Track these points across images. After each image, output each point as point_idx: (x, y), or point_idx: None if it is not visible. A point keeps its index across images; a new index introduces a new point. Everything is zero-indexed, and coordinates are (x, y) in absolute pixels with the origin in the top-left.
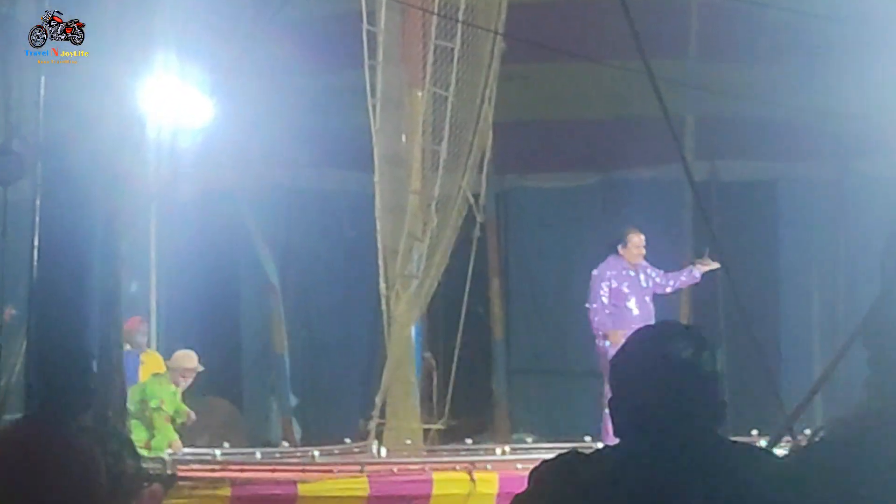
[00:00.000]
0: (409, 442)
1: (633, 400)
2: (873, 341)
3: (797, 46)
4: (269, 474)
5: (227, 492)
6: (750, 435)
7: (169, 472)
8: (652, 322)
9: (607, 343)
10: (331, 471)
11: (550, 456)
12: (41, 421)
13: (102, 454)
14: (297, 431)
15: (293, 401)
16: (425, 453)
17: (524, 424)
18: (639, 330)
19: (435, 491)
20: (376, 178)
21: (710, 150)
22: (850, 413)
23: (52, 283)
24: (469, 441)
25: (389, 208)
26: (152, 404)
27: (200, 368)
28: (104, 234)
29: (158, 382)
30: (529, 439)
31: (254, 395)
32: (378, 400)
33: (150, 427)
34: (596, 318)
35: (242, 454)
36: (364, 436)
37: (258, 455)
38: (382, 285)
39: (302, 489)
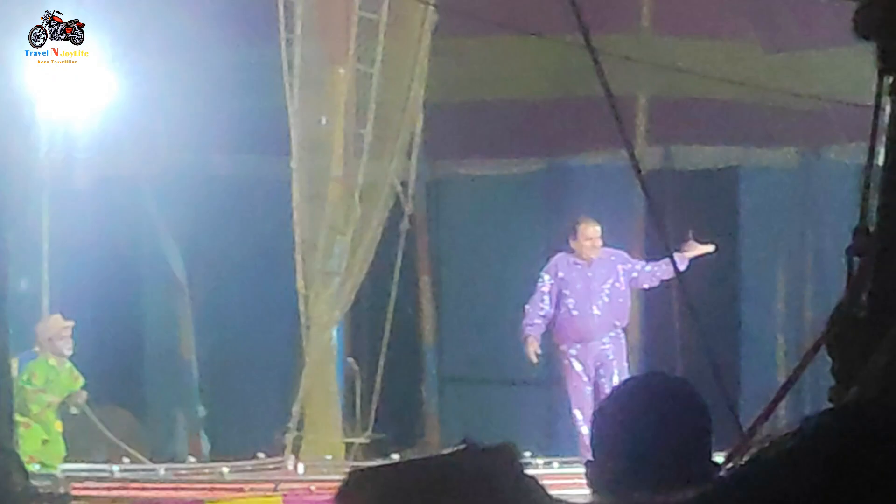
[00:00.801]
0: (329, 457)
1: (615, 461)
2: (836, 350)
3: (763, 19)
4: (173, 493)
5: None
6: None
7: (61, 490)
8: (614, 324)
9: (532, 351)
10: (241, 489)
11: None
12: None
13: None
14: (205, 445)
15: (201, 411)
16: (347, 469)
17: (457, 437)
18: (623, 383)
19: None
20: (293, 164)
21: (664, 134)
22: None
23: None
24: (396, 456)
25: (308, 197)
26: (21, 380)
27: (69, 324)
28: None
29: (31, 361)
30: None
31: (157, 405)
32: (295, 410)
33: (35, 420)
34: (523, 321)
35: (144, 471)
36: (279, 450)
37: (161, 472)
38: (300, 283)
39: None
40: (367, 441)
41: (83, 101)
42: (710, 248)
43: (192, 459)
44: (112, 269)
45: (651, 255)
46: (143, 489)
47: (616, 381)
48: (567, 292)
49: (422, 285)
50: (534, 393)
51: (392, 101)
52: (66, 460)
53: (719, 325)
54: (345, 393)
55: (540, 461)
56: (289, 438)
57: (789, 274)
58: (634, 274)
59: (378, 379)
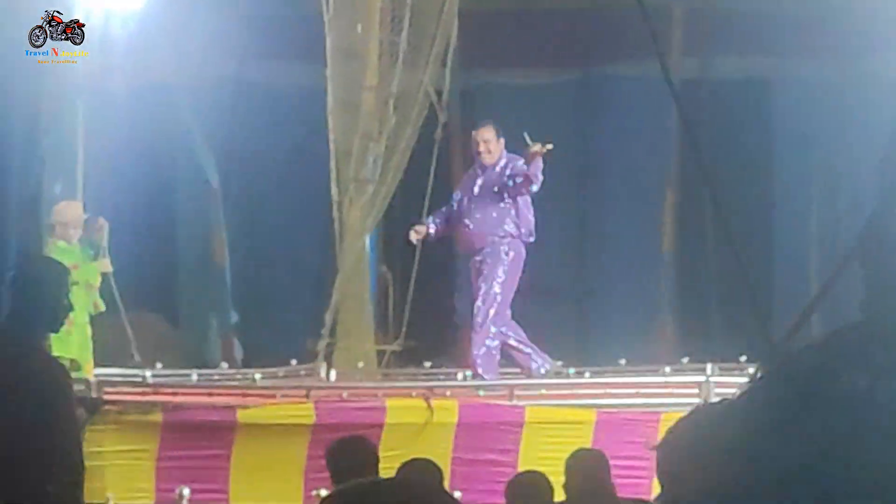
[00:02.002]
0: (361, 365)
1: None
2: (870, 259)
3: None
4: (205, 399)
5: (158, 418)
6: (738, 361)
7: (93, 395)
8: (483, 236)
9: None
10: (273, 396)
11: None
12: None
13: (20, 374)
14: (237, 352)
15: (234, 318)
16: (379, 377)
17: None
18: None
19: (388, 419)
20: (328, 72)
21: (699, 44)
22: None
23: None
24: (428, 364)
25: (342, 105)
26: None
27: (84, 216)
28: (24, 132)
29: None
30: None
31: (190, 312)
32: (328, 318)
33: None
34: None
35: (176, 376)
36: (312, 357)
37: (194, 377)
38: (334, 190)
39: (242, 416)
40: (399, 349)
41: (120, 5)
42: (548, 146)
43: (224, 365)
44: (146, 174)
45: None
46: (176, 394)
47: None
48: (462, 204)
49: None
50: (566, 304)
51: (427, 10)
52: (98, 366)
53: (752, 240)
54: (377, 301)
55: (572, 371)
56: (321, 346)
57: (823, 186)
58: (507, 179)
59: (411, 287)
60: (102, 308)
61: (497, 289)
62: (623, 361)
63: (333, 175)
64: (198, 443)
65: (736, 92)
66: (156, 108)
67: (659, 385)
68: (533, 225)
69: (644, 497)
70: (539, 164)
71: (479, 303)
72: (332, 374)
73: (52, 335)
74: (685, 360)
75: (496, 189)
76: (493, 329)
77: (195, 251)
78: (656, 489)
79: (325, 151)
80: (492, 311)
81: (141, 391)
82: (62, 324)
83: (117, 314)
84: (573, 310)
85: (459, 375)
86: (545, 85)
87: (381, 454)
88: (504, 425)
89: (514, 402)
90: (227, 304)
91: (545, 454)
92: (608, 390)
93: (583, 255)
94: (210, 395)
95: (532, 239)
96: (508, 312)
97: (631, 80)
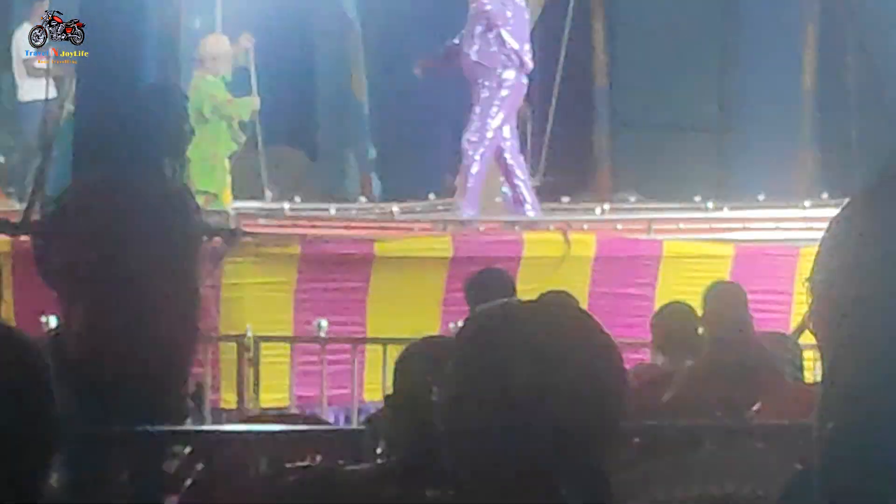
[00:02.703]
0: (499, 200)
1: None
2: None
3: None
4: (343, 231)
5: (296, 250)
6: (820, 198)
7: (232, 226)
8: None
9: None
10: (411, 229)
11: None
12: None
13: (161, 205)
14: (375, 186)
15: (373, 153)
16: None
17: (628, 182)
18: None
19: (525, 253)
20: None
21: None
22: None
23: (101, 18)
24: (566, 199)
25: None
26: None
27: (230, 52)
28: None
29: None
30: (632, 198)
31: (329, 146)
32: None
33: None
34: None
35: (315, 209)
36: (450, 192)
37: (332, 211)
38: None
39: (379, 248)
40: (539, 184)
41: None
42: None
43: (362, 199)
44: (286, 9)
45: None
46: (313, 227)
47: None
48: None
49: (595, 29)
50: (706, 138)
51: None
52: (237, 198)
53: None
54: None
55: (710, 204)
56: (459, 180)
57: None
58: None
59: (549, 123)
60: (242, 140)
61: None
62: (762, 197)
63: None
64: (335, 275)
65: None
66: None
67: (798, 220)
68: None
69: (782, 331)
70: None
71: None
72: None
73: (196, 170)
74: (825, 195)
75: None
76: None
77: (334, 87)
78: (794, 323)
79: None
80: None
81: (279, 223)
82: (184, 150)
83: (253, 149)
84: (714, 144)
85: (597, 210)
86: None
87: (517, 287)
88: (641, 259)
89: (652, 235)
90: (366, 139)
91: (683, 288)
92: (746, 225)
93: (724, 89)
94: (348, 227)
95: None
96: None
97: None
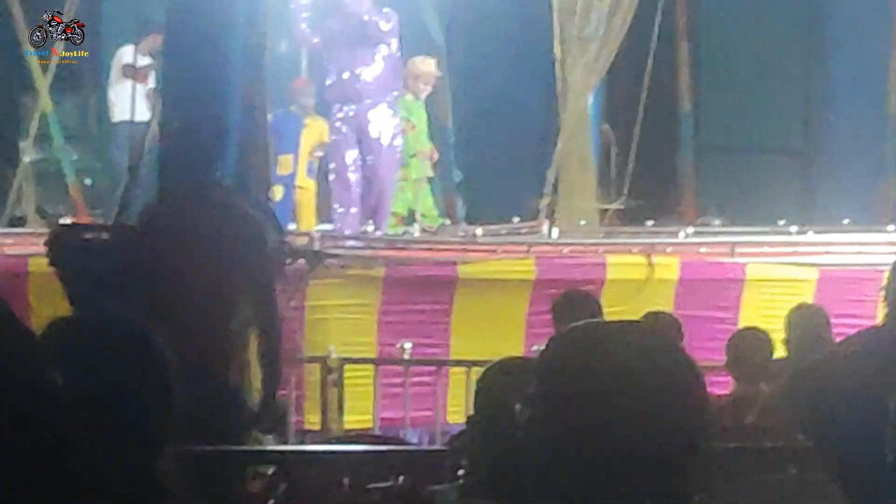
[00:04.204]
0: (583, 223)
1: None
2: None
3: None
4: (427, 254)
5: (380, 272)
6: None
7: (316, 248)
8: None
9: None
10: (494, 251)
11: None
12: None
13: (244, 226)
14: (460, 209)
15: (457, 176)
16: (600, 235)
17: (712, 206)
18: None
19: (609, 276)
20: None
21: None
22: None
23: (186, 37)
24: (650, 223)
25: None
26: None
27: (438, 73)
28: None
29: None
30: (717, 222)
31: None
32: (550, 176)
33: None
34: None
35: (399, 232)
36: (534, 215)
37: (416, 233)
38: (557, 48)
39: (462, 270)
40: (622, 207)
41: None
42: None
43: (447, 222)
44: None
45: None
46: (398, 249)
47: None
48: None
49: (680, 51)
50: (791, 162)
51: None
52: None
53: None
54: (600, 159)
55: (794, 228)
56: (543, 203)
57: None
58: None
59: (633, 145)
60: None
61: None
62: (846, 221)
63: (556, 33)
64: (419, 297)
65: None
66: None
67: (882, 244)
68: None
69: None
70: None
71: None
72: (554, 231)
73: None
74: None
75: None
76: None
77: None
78: None
79: (547, 9)
80: None
81: (363, 245)
82: (267, 171)
83: None
84: (798, 168)
85: (681, 233)
86: None
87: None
88: (725, 282)
89: (736, 259)
90: (451, 162)
91: (766, 312)
92: (830, 249)
93: (809, 113)
94: (431, 250)
95: None
96: None
97: None
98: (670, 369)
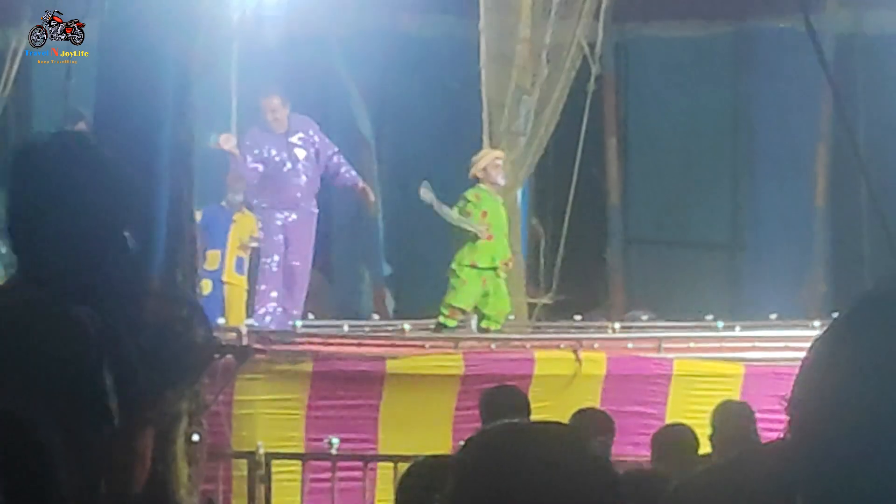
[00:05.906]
0: (512, 317)
1: None
2: None
3: None
4: (355, 349)
5: (308, 367)
6: (830, 317)
7: (244, 343)
8: None
9: None
10: (422, 346)
11: None
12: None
13: (170, 321)
14: (389, 303)
15: (386, 269)
16: (529, 330)
17: (641, 300)
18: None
19: (536, 371)
20: (482, 25)
21: None
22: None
23: (114, 131)
24: (578, 318)
25: (495, 57)
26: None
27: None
28: (176, 78)
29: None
30: (645, 317)
31: (343, 263)
32: None
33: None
34: None
35: (328, 327)
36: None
37: (345, 328)
38: (486, 143)
39: (391, 366)
40: (551, 302)
41: None
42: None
43: (375, 317)
44: None
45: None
46: (326, 344)
47: None
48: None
49: (608, 146)
50: (719, 256)
51: None
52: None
53: None
54: (529, 253)
55: (721, 324)
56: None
57: None
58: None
59: (562, 240)
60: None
61: None
62: (774, 316)
63: (486, 127)
64: (347, 392)
65: (890, 45)
66: (309, 60)
67: (808, 339)
68: None
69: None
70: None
71: None
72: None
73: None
74: (836, 314)
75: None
76: None
77: (348, 203)
78: None
79: (477, 104)
80: None
81: (291, 340)
82: (194, 266)
83: None
84: (726, 262)
85: (609, 329)
86: (698, 38)
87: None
88: (652, 378)
89: (663, 354)
90: (380, 255)
91: (693, 407)
92: (756, 343)
93: (737, 206)
94: (360, 345)
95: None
96: None
97: (785, 34)
98: (584, 474)
